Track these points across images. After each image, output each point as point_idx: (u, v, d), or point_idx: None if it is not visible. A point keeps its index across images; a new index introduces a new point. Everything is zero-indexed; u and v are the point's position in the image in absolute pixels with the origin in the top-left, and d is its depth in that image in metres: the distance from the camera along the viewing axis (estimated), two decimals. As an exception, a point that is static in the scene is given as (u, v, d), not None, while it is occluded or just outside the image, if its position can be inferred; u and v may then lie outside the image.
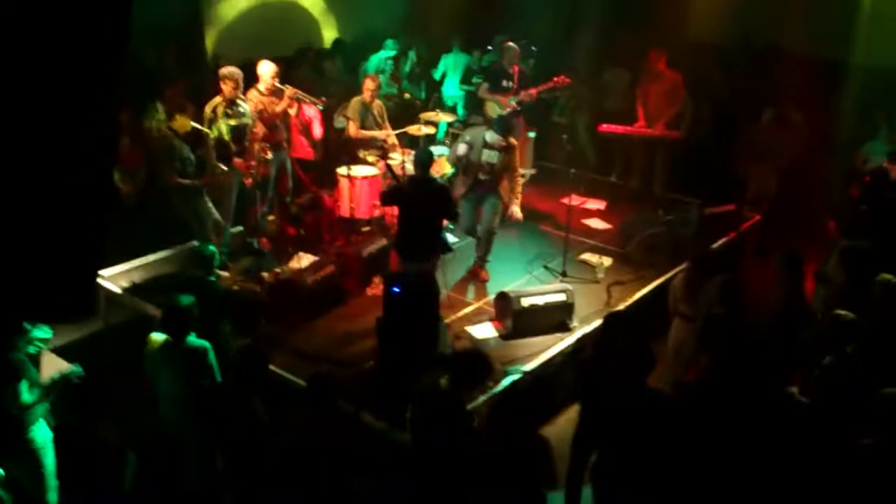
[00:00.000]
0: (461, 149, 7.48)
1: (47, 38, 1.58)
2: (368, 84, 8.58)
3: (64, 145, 1.62)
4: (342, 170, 8.22)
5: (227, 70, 7.58)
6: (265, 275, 7.41)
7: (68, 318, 1.89)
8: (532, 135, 10.36)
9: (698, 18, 11.99)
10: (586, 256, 8.19)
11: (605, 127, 9.94)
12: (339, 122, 8.94)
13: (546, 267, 8.00)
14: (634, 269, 7.96)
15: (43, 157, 1.60)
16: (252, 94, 7.77)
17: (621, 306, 7.13)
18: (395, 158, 8.32)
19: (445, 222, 7.21)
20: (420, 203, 6.62)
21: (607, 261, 8.04)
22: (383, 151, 8.49)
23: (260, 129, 7.69)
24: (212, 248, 6.71)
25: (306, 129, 8.77)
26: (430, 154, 7.00)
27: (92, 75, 1.59)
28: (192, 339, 5.13)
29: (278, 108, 7.89)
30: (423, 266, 6.59)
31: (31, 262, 1.67)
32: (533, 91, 9.50)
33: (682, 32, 11.81)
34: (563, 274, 7.77)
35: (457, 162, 7.60)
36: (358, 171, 8.16)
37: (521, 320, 6.73)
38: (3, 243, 1.63)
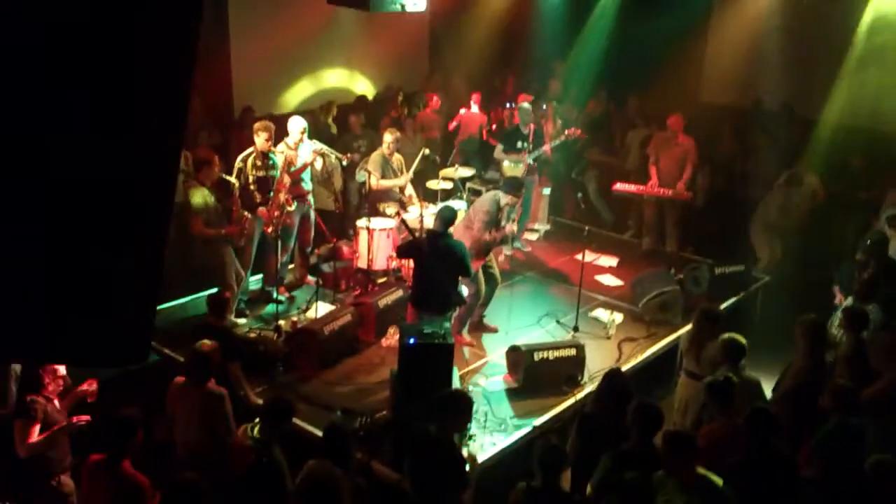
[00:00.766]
0: (511, 227, 7.75)
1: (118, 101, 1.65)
2: (387, 138, 8.83)
3: (129, 190, 1.68)
4: (362, 222, 8.43)
5: (261, 123, 7.86)
6: (282, 323, 7.57)
7: (120, 363, 1.97)
8: (546, 191, 10.53)
9: (710, 81, 12.26)
10: (598, 313, 8.28)
11: (618, 186, 10.14)
12: (360, 175, 9.15)
13: (558, 322, 8.13)
14: (646, 326, 8.07)
15: (104, 199, 1.64)
16: (280, 147, 8.01)
17: (628, 364, 7.24)
18: (413, 212, 8.52)
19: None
20: (435, 258, 6.77)
21: (619, 317, 8.15)
22: (402, 205, 8.70)
23: (286, 181, 7.90)
24: (228, 294, 6.88)
25: (327, 181, 8.98)
26: (454, 211, 7.17)
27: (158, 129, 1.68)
28: (212, 385, 5.31)
29: (305, 162, 8.11)
30: (438, 318, 6.75)
31: (87, 308, 1.71)
32: (547, 147, 9.72)
33: (694, 94, 12.08)
34: (576, 329, 7.89)
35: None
36: (377, 223, 8.36)
37: (532, 374, 6.82)
38: (59, 289, 1.66)
